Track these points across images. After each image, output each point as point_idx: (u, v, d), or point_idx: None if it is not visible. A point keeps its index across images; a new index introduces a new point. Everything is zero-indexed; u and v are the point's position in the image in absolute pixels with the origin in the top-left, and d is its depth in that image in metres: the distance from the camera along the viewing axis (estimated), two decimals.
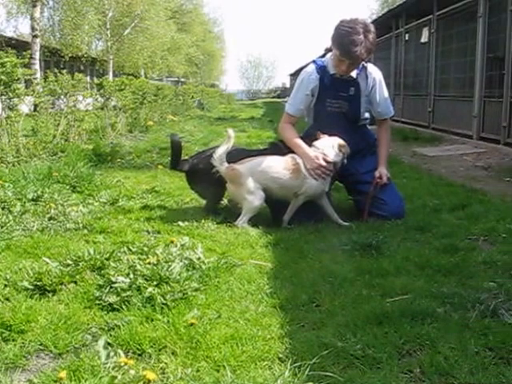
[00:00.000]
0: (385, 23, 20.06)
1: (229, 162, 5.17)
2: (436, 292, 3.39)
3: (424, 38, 16.02)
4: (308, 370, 2.43)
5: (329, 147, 5.18)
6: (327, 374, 2.43)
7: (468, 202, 5.92)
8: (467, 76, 13.25)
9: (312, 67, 5.51)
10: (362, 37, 5.03)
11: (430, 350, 2.68)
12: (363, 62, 5.39)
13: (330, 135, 5.27)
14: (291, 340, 2.79)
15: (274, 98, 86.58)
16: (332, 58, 5.38)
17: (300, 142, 5.32)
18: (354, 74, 5.39)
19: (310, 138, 5.39)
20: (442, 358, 2.58)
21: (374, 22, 21.45)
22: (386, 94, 5.59)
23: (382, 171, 5.46)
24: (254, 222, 5.20)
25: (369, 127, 5.92)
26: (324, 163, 5.12)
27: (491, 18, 11.75)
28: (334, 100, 5.46)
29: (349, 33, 5.07)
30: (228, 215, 5.36)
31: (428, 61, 15.80)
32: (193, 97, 28.65)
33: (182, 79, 61.61)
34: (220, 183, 5.33)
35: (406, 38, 18.23)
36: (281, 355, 2.65)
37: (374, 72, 5.51)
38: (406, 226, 5.03)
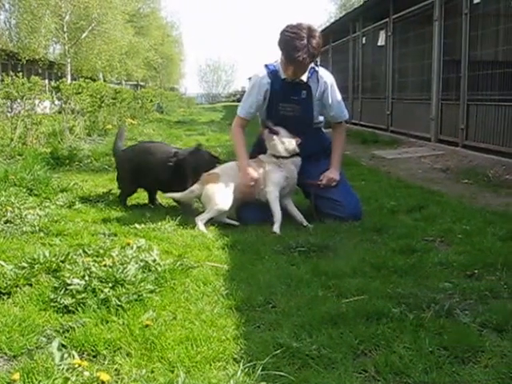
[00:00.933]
0: (342, 26, 20.23)
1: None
2: (392, 292, 3.42)
3: (381, 42, 16.13)
4: (261, 369, 2.44)
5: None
6: (281, 373, 2.44)
7: (425, 204, 5.99)
8: (424, 79, 13.37)
9: (263, 72, 5.53)
10: (305, 42, 5.07)
11: (384, 350, 2.70)
12: (314, 66, 5.44)
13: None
14: (246, 341, 2.79)
15: (233, 101, 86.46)
16: (280, 63, 5.43)
17: (242, 153, 5.45)
18: (304, 77, 5.41)
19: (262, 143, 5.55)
20: (396, 358, 2.60)
21: (331, 25, 21.65)
22: (338, 97, 5.61)
23: (329, 175, 5.51)
24: (211, 224, 5.23)
25: (325, 130, 5.94)
26: (255, 176, 5.26)
27: (447, 21, 11.87)
28: (286, 104, 5.48)
29: (292, 38, 5.12)
30: (184, 219, 5.35)
31: (385, 64, 15.90)
32: (151, 100, 28.44)
33: (141, 83, 61.31)
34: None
35: (364, 42, 18.34)
36: (235, 356, 2.65)
37: (326, 76, 5.53)
38: (363, 227, 5.07)
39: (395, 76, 15.36)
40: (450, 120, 11.67)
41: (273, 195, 5.24)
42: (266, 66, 5.58)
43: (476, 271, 3.84)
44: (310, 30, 5.14)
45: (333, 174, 5.52)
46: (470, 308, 3.21)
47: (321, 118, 5.72)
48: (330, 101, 5.53)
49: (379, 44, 16.30)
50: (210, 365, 2.57)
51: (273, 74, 5.47)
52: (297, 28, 5.13)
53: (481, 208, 5.84)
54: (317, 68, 5.48)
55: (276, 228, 5.06)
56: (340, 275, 3.77)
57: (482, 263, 3.97)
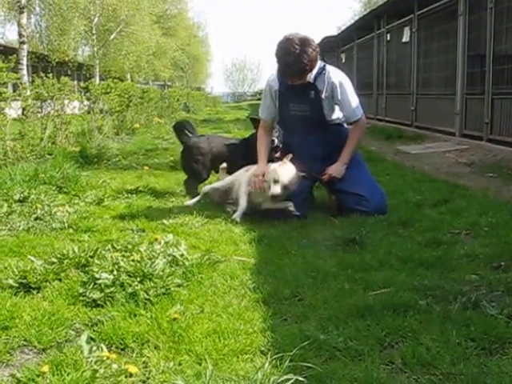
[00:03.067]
0: (367, 24, 20.12)
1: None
2: (418, 285, 3.38)
3: (405, 38, 16.04)
4: (289, 361, 2.41)
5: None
6: (308, 365, 2.42)
7: (450, 197, 5.92)
8: (449, 74, 13.27)
9: (274, 74, 5.60)
10: (294, 58, 5.07)
11: (411, 342, 2.68)
12: (324, 66, 5.41)
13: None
14: (273, 333, 2.78)
15: (259, 99, 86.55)
16: None
17: (262, 156, 5.52)
18: (311, 78, 5.37)
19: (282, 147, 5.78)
20: (423, 349, 2.58)
21: (355, 22, 21.55)
22: (350, 97, 5.48)
23: (331, 169, 5.49)
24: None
25: (348, 126, 5.88)
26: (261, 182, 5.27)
27: (471, 15, 11.76)
28: (296, 104, 5.50)
29: (283, 54, 5.16)
30: (212, 214, 5.34)
31: (410, 60, 15.81)
32: (178, 100, 28.50)
33: (168, 83, 61.51)
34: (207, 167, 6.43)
35: (388, 38, 18.25)
36: (263, 348, 2.64)
37: (334, 76, 5.43)
38: (388, 221, 5.02)
39: (420, 72, 15.25)
40: (475, 114, 11.56)
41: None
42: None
43: (502, 263, 3.78)
44: (303, 44, 5.11)
45: (334, 169, 5.48)
46: (497, 300, 3.16)
47: (339, 115, 5.65)
48: (340, 101, 5.46)
49: (404, 40, 16.21)
50: (238, 357, 2.56)
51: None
52: (289, 42, 5.12)
53: (506, 201, 5.76)
54: (326, 67, 5.43)
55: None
56: (366, 268, 3.75)
57: (509, 255, 3.92)
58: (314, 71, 5.34)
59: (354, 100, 5.53)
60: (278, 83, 5.51)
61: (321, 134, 5.42)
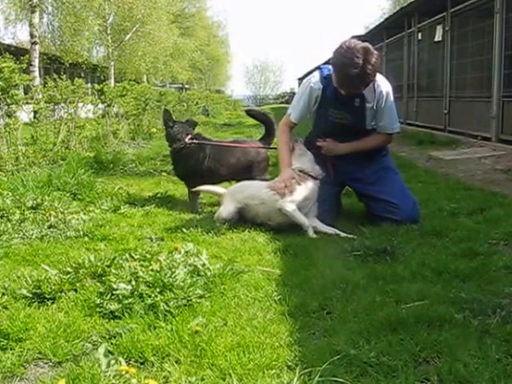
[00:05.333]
0: (397, 22, 20.06)
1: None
2: (454, 298, 3.36)
3: (438, 37, 15.98)
4: (318, 377, 2.40)
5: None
6: (339, 380, 2.41)
7: (487, 206, 5.88)
8: (484, 75, 13.19)
9: (316, 77, 5.45)
10: (358, 70, 4.87)
11: (448, 358, 2.65)
12: None
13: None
14: (301, 348, 2.77)
15: (281, 103, 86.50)
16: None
17: (284, 155, 5.47)
18: None
19: (310, 145, 5.55)
20: (461, 366, 2.55)
21: (385, 21, 21.48)
22: (392, 107, 5.46)
23: (330, 142, 5.52)
24: (262, 228, 5.22)
25: None
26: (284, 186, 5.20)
27: (509, 13, 11.68)
28: (337, 111, 5.39)
29: (346, 65, 4.94)
30: (233, 222, 5.36)
31: (442, 60, 15.75)
32: (197, 103, 28.65)
33: (186, 85, 61.66)
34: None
35: (419, 38, 18.20)
36: (290, 363, 2.63)
37: (383, 85, 5.37)
38: (421, 230, 5.00)
39: (453, 73, 15.18)
40: None
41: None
42: (320, 69, 5.49)
43: None
44: (366, 54, 4.91)
45: (335, 145, 5.51)
46: None
47: (373, 123, 5.59)
48: (383, 111, 5.40)
49: (436, 40, 16.16)
50: (263, 372, 2.55)
51: (326, 79, 5.35)
52: (351, 52, 4.90)
53: None
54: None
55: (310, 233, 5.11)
56: (398, 280, 3.73)
57: None
58: None
59: (394, 112, 5.51)
60: (321, 87, 5.39)
61: (354, 140, 5.39)
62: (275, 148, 6.01)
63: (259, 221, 5.32)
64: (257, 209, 5.30)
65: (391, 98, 5.41)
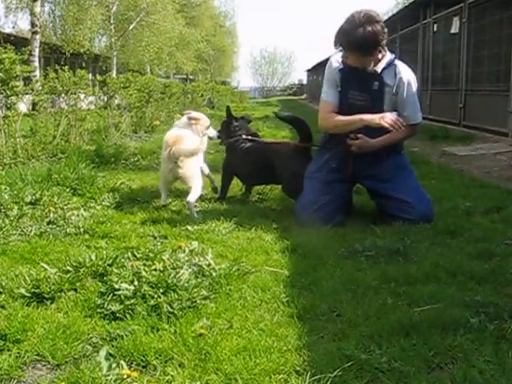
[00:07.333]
0: (411, 13, 20.03)
1: None
2: (469, 301, 3.34)
3: (454, 29, 15.95)
4: (328, 383, 2.40)
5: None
6: None
7: (503, 205, 5.87)
8: (502, 68, 13.14)
9: (338, 54, 5.47)
10: (358, 28, 5.05)
11: (463, 364, 2.65)
12: (393, 59, 5.38)
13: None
14: (310, 352, 2.76)
15: (289, 95, 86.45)
16: None
17: (359, 116, 5.32)
18: (379, 68, 5.33)
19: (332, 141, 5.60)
20: (476, 372, 2.54)
21: (399, 12, 21.44)
22: (415, 97, 5.49)
23: (362, 140, 5.43)
24: (269, 226, 5.21)
25: None
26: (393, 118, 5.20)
27: None
28: (357, 92, 5.39)
29: (345, 23, 5.15)
30: (240, 220, 5.35)
31: (459, 53, 15.71)
32: (202, 95, 28.65)
33: (191, 76, 61.76)
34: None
35: (435, 29, 18.16)
36: (298, 368, 2.62)
37: (404, 72, 5.39)
38: (435, 230, 4.98)
39: (469, 66, 15.13)
40: None
41: None
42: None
43: None
44: (368, 16, 5.10)
45: (366, 141, 5.43)
46: None
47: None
48: (405, 99, 5.40)
49: (452, 31, 16.12)
50: (270, 377, 2.54)
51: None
52: (352, 15, 5.13)
53: None
54: (396, 61, 5.40)
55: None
56: (411, 282, 3.71)
57: None
58: (384, 60, 5.34)
59: (417, 101, 5.53)
60: (340, 66, 5.42)
61: (372, 131, 5.35)
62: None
63: None
64: None
65: (413, 87, 5.42)
